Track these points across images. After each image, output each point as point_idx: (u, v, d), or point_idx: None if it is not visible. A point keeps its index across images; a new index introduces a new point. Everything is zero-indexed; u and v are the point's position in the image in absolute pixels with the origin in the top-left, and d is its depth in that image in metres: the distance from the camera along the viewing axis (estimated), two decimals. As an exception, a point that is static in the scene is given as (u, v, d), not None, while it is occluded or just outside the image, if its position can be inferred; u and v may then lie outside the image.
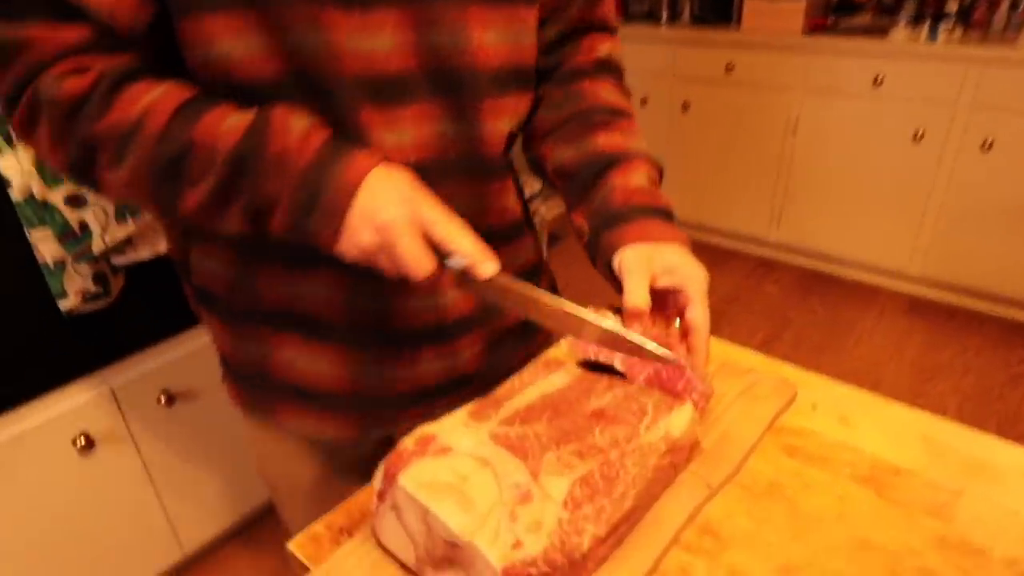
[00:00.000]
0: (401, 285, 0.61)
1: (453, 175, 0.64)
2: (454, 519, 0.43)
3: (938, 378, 2.29)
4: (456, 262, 0.52)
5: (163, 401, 1.42)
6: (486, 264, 0.52)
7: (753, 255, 3.10)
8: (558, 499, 0.46)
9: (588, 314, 0.57)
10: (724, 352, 0.75)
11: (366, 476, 0.87)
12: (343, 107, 0.56)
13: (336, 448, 0.78)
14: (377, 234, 0.50)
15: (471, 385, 0.75)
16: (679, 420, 0.55)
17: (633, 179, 0.68)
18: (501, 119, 0.66)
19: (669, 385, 0.60)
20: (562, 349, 0.72)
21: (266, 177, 0.51)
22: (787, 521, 0.53)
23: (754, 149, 2.89)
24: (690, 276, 0.62)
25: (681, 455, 0.55)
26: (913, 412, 0.67)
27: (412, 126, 0.60)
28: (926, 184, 2.51)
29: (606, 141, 0.70)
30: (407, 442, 0.50)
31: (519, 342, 0.80)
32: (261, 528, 1.74)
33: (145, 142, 0.51)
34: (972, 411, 2.14)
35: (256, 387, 0.73)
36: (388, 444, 0.81)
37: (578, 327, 0.57)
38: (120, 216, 1.20)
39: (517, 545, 0.43)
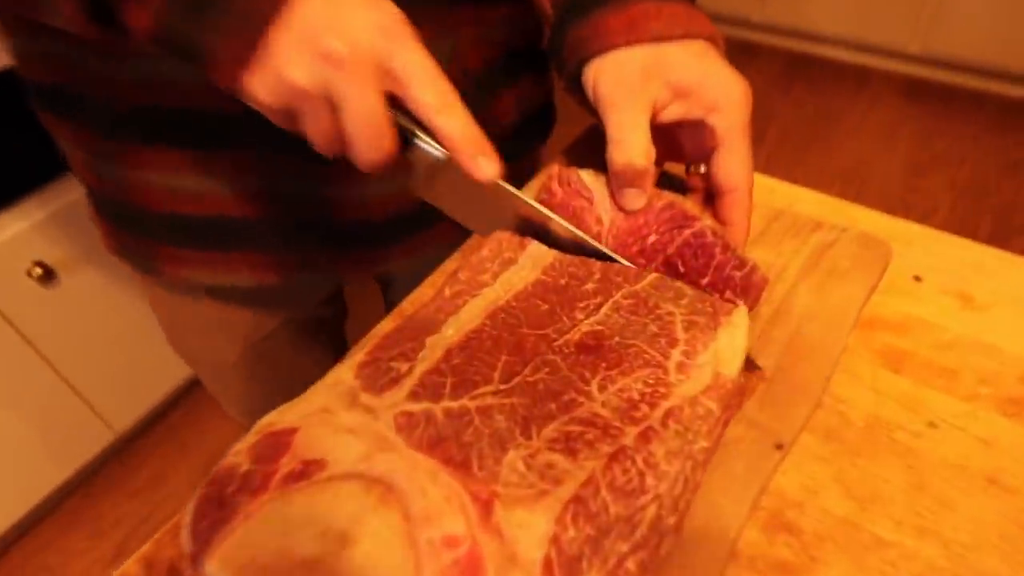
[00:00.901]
0: (318, 166, 0.43)
1: None
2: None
3: (932, 172, 2.10)
4: (428, 147, 0.35)
5: (39, 275, 1.13)
6: (482, 161, 0.34)
7: (735, 39, 2.73)
8: (532, 560, 0.23)
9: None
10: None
11: (318, 338, 0.66)
12: None
13: (263, 303, 0.59)
14: (318, 70, 0.32)
15: (431, 226, 0.55)
16: (732, 344, 0.30)
17: None
18: None
19: (702, 276, 0.35)
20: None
21: None
22: (903, 491, 0.32)
23: (741, -97, 2.40)
24: (719, 100, 0.39)
25: (734, 403, 0.31)
26: (1067, 277, 0.44)
27: None
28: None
29: None
30: (240, 453, 0.25)
31: None
32: (200, 397, 1.56)
33: None
34: (966, 208, 1.98)
35: (126, 224, 0.53)
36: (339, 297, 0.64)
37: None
38: None
39: None
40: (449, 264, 0.46)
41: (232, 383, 0.65)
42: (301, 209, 0.50)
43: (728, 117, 0.38)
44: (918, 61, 2.43)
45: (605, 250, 0.37)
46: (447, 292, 0.34)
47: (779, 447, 0.31)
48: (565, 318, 0.32)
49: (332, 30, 0.31)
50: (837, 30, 2.49)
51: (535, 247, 0.36)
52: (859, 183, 2.08)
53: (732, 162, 0.38)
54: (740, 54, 2.65)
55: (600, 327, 0.31)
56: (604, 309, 0.32)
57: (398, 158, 0.35)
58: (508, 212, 0.38)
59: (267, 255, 0.52)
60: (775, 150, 2.18)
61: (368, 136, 0.33)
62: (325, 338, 0.67)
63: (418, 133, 0.35)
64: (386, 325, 0.42)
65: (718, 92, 0.38)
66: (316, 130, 0.34)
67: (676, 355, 0.29)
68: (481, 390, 0.27)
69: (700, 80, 0.38)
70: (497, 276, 0.34)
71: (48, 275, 1.15)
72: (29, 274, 1.13)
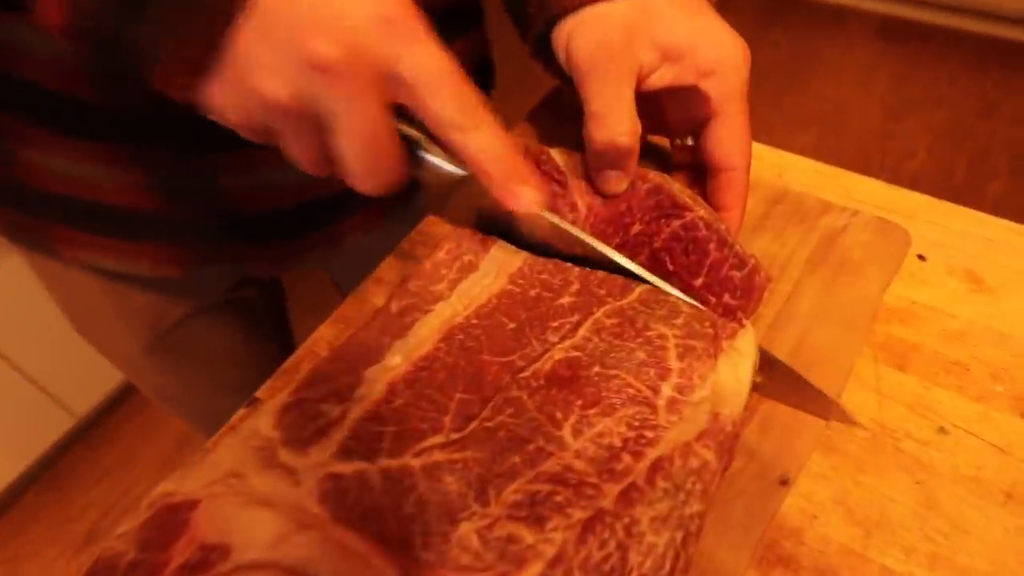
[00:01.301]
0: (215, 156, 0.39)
1: None
2: None
3: (909, 115, 2.07)
4: (441, 163, 0.29)
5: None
6: (522, 191, 0.28)
7: (706, -20, 2.62)
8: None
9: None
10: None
11: (244, 321, 0.60)
12: None
13: (165, 291, 0.53)
14: (301, 81, 0.25)
15: (355, 212, 0.48)
16: (735, 376, 0.26)
17: None
18: None
19: (694, 275, 0.30)
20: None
21: None
22: (912, 512, 0.29)
23: None
24: (714, 62, 0.33)
25: (733, 447, 0.27)
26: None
27: None
28: None
29: None
30: (126, 536, 0.21)
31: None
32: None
33: None
34: (942, 150, 1.95)
35: (15, 203, 0.47)
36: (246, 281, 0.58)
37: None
38: None
39: None
40: (405, 244, 0.41)
41: (144, 374, 0.60)
42: (201, 202, 0.44)
43: (724, 83, 0.33)
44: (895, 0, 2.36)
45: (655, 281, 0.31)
46: (393, 307, 0.29)
47: (784, 482, 0.27)
48: (535, 341, 0.27)
49: (319, 27, 0.24)
50: (813, -32, 2.41)
51: (500, 248, 0.31)
52: (836, 128, 2.03)
53: (728, 135, 0.34)
54: (714, -4, 2.55)
55: (577, 353, 0.26)
56: (582, 330, 0.27)
57: (405, 177, 0.29)
58: (548, 241, 0.32)
59: (169, 247, 0.47)
60: (751, 96, 2.11)
61: (368, 160, 0.26)
62: (254, 319, 0.62)
63: (426, 146, 0.29)
64: (325, 333, 0.37)
65: (713, 54, 0.33)
66: (300, 152, 0.28)
67: (667, 390, 0.25)
68: (428, 442, 0.23)
69: (693, 40, 0.33)
70: (455, 285, 0.29)
71: (-13, 260, 1.07)
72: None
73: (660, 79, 0.34)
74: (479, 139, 0.26)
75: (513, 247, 0.32)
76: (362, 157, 0.26)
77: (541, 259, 0.31)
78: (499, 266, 0.30)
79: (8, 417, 1.23)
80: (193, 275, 0.50)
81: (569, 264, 0.30)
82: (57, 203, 0.45)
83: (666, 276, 0.31)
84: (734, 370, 0.26)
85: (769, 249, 0.37)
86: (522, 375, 0.26)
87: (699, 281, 0.31)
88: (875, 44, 2.30)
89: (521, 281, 0.30)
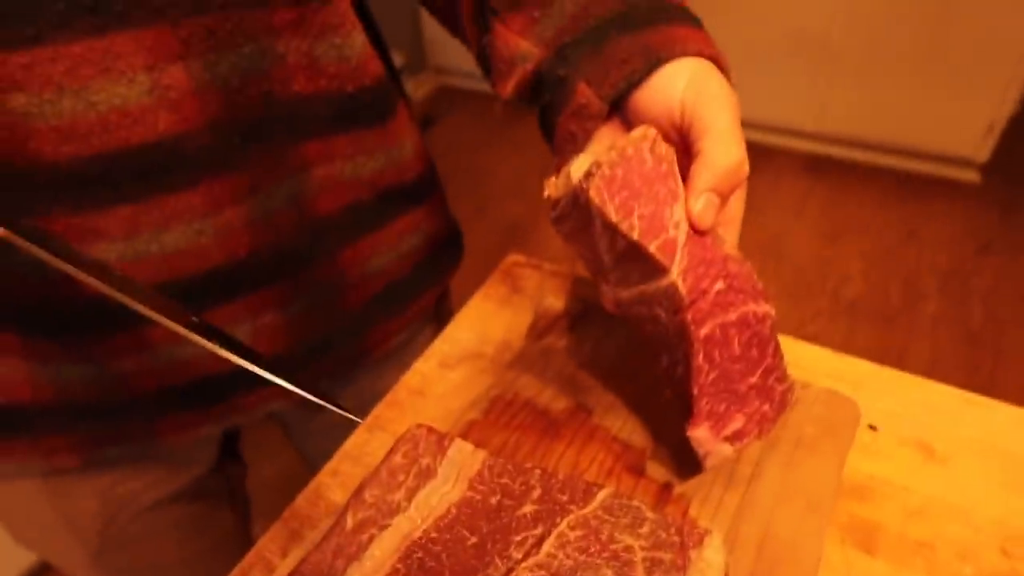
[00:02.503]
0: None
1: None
2: None
3: (841, 241, 2.20)
4: None
5: None
6: None
7: (644, 121, 2.83)
8: None
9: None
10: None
11: (202, 512, 0.56)
12: None
13: (117, 486, 0.50)
14: None
15: (254, 387, 0.47)
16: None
17: None
18: None
19: (750, 373, 0.33)
20: (430, 365, 0.40)
21: None
22: None
23: None
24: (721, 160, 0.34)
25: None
26: None
27: None
28: (823, 28, 2.30)
29: None
30: None
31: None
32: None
33: None
34: (876, 276, 2.07)
35: None
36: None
37: None
38: None
39: None
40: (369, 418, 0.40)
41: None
42: (92, 387, 0.42)
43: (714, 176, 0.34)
44: (816, 138, 2.58)
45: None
46: (349, 522, 0.28)
47: None
48: (498, 559, 0.26)
49: None
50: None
51: (458, 450, 0.30)
52: (777, 255, 2.14)
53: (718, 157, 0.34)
54: (652, 136, 2.74)
55: (542, 572, 0.25)
56: (547, 545, 0.26)
57: None
58: None
59: (61, 437, 0.44)
60: (694, 228, 2.23)
61: None
62: (211, 508, 0.58)
63: None
64: (277, 535, 0.35)
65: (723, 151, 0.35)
66: None
67: None
68: None
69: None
70: (413, 495, 0.28)
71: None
72: None
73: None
74: None
75: (471, 447, 0.31)
76: None
77: (500, 460, 0.30)
78: (458, 470, 0.30)
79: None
80: (94, 462, 0.46)
81: (528, 465, 0.30)
82: None
83: (724, 361, 0.32)
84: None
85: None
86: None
87: (753, 380, 0.33)
88: (802, 177, 2.49)
89: (481, 487, 0.29)
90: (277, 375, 0.30)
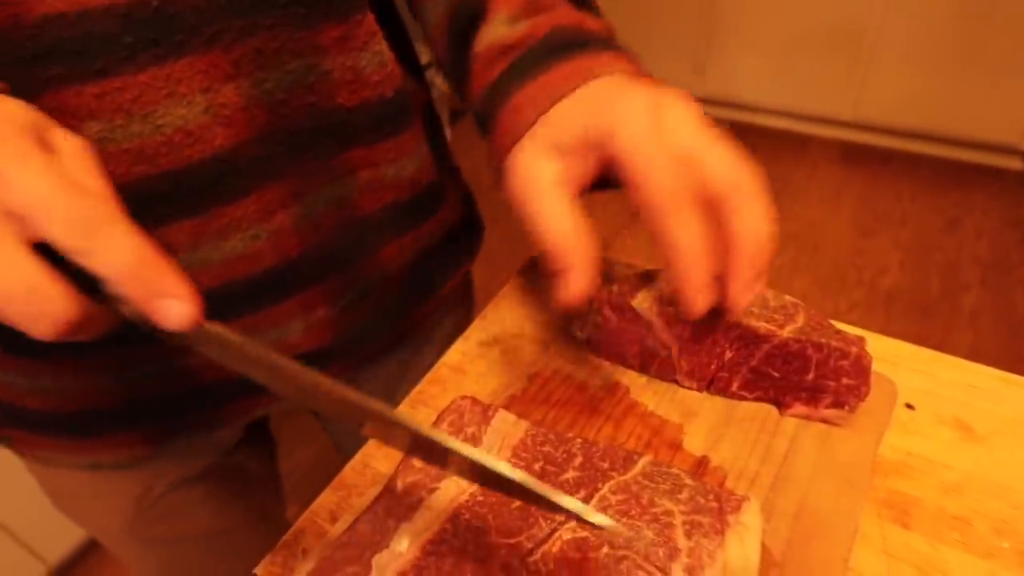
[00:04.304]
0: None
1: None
2: None
3: (877, 233, 2.16)
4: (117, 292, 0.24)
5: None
6: (165, 304, 0.24)
7: (676, 112, 2.80)
8: None
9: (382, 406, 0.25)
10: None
11: (232, 487, 0.58)
12: None
13: (140, 469, 0.52)
14: None
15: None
16: (743, 553, 0.26)
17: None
18: None
19: (803, 375, 0.36)
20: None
21: None
22: None
23: (673, -13, 2.51)
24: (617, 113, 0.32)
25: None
26: (1063, 396, 0.41)
27: None
28: (861, 16, 2.25)
29: None
30: None
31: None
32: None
33: None
34: (913, 265, 2.03)
35: None
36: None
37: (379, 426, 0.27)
38: None
39: None
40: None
41: (127, 548, 0.58)
42: (153, 386, 0.44)
43: (628, 128, 0.31)
44: (852, 127, 2.53)
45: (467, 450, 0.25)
46: (399, 485, 0.29)
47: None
48: (542, 520, 0.27)
49: None
50: (773, 100, 2.59)
51: (501, 420, 0.32)
52: (811, 246, 2.11)
53: (646, 179, 0.31)
54: (684, 126, 2.72)
55: (585, 533, 0.26)
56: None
57: (104, 311, 0.25)
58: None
59: (134, 432, 0.47)
60: (726, 218, 2.21)
61: (19, 308, 0.23)
62: (244, 482, 0.60)
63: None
64: (326, 502, 0.37)
65: (617, 109, 0.33)
66: None
67: (678, 571, 0.25)
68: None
69: (602, 104, 0.33)
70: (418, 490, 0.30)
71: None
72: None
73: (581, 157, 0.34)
74: (103, 259, 0.24)
75: (513, 417, 0.32)
76: (8, 306, 0.23)
77: (542, 430, 0.31)
78: (502, 438, 0.31)
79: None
80: (166, 450, 0.49)
81: (570, 435, 0.31)
82: (13, 412, 0.45)
83: (774, 382, 0.36)
84: (741, 546, 0.26)
85: (762, 406, 0.38)
86: (531, 558, 0.26)
87: (810, 376, 0.35)
88: (837, 168, 2.44)
89: (524, 454, 0.30)
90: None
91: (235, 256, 0.39)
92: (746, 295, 0.31)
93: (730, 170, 0.31)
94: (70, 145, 0.26)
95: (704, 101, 2.70)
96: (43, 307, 0.23)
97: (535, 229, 0.32)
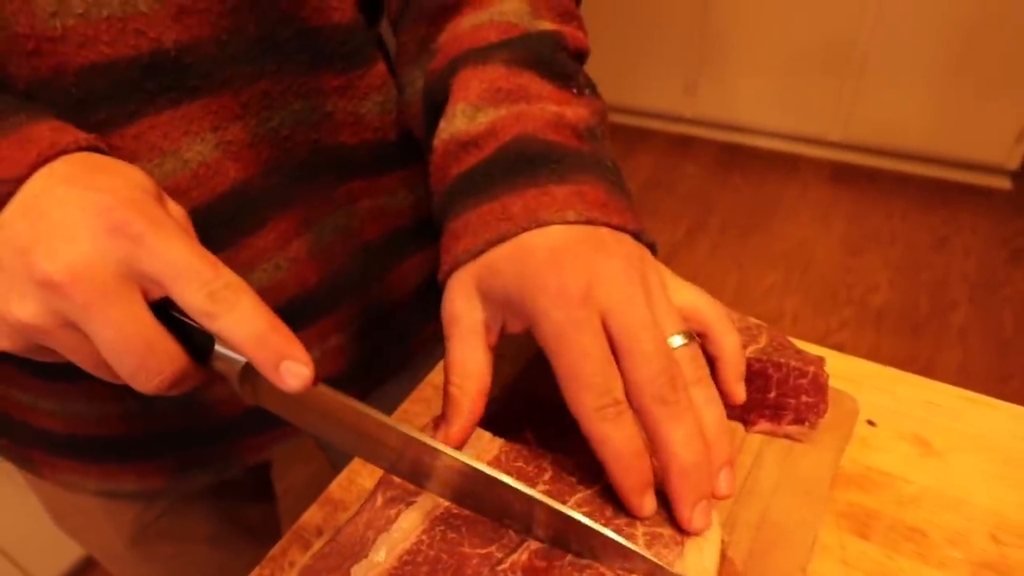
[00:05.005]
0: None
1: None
2: None
3: (867, 250, 2.19)
4: (229, 353, 0.27)
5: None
6: (287, 368, 0.26)
7: (669, 133, 2.85)
8: None
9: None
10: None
11: (227, 503, 0.60)
12: None
13: (150, 498, 0.54)
14: (43, 300, 0.25)
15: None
16: (701, 564, 0.28)
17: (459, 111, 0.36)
18: None
19: (765, 393, 0.38)
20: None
21: None
22: None
23: (662, 10, 2.56)
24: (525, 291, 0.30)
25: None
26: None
27: None
28: (850, 37, 2.30)
29: (450, 36, 0.40)
30: None
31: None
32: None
33: None
34: (903, 284, 2.05)
35: (5, 428, 0.48)
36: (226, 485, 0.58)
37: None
38: None
39: None
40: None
41: (125, 565, 0.59)
42: (179, 419, 0.46)
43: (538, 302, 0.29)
44: (842, 147, 2.57)
45: (499, 475, 0.28)
46: (379, 500, 0.31)
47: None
48: (512, 532, 0.29)
49: (41, 247, 0.24)
50: (763, 120, 2.63)
51: (477, 437, 0.33)
52: (801, 265, 2.14)
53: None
54: (675, 146, 2.76)
55: (548, 543, 0.28)
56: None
57: (198, 370, 0.28)
58: (353, 426, 0.29)
59: (153, 462, 0.48)
60: (718, 238, 2.24)
61: (133, 362, 0.25)
62: (240, 499, 0.62)
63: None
64: (312, 517, 0.39)
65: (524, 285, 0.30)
66: (79, 360, 0.27)
67: None
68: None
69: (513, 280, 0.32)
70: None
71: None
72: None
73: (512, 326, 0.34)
74: (232, 322, 0.26)
75: (488, 435, 0.34)
76: (124, 359, 0.25)
77: (516, 445, 0.33)
78: (477, 453, 0.33)
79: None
80: (176, 484, 0.51)
81: (542, 451, 0.33)
82: (42, 435, 0.47)
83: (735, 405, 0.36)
84: (700, 557, 0.28)
85: (729, 422, 0.40)
86: (500, 567, 0.27)
87: (772, 394, 0.38)
88: (828, 187, 2.48)
89: (498, 468, 0.32)
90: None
91: (261, 289, 0.40)
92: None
93: (659, 378, 0.28)
94: (178, 211, 0.29)
95: (696, 123, 2.75)
96: (156, 364, 0.26)
97: (445, 365, 0.33)
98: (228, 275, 0.26)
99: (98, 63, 0.32)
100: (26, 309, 0.25)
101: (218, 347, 0.27)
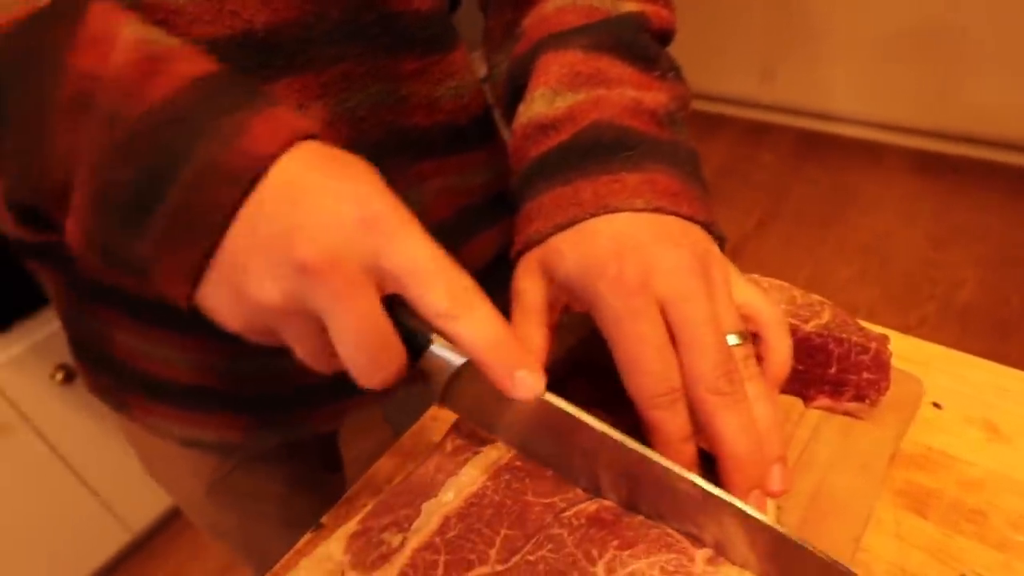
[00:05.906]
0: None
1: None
2: None
3: (954, 245, 2.08)
4: (447, 354, 0.28)
5: (60, 378, 1.16)
6: (521, 377, 0.27)
7: (744, 119, 2.78)
8: None
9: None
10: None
11: (298, 460, 0.64)
12: None
13: (228, 451, 0.58)
14: (291, 284, 0.25)
15: None
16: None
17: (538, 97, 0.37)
18: None
19: (826, 368, 0.39)
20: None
21: (52, 122, 0.26)
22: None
23: (743, -7, 2.49)
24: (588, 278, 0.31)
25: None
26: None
27: None
28: (935, 20, 2.18)
29: (534, 20, 0.42)
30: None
31: None
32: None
33: None
34: (994, 282, 1.94)
35: (103, 371, 0.52)
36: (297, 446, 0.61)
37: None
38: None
39: None
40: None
41: (203, 512, 0.64)
42: (263, 380, 0.50)
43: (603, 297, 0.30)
44: (930, 136, 2.44)
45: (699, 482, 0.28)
46: (448, 447, 0.33)
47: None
48: (579, 487, 0.31)
49: (302, 232, 0.25)
50: (847, 107, 2.53)
51: (494, 445, 0.35)
52: (880, 259, 2.06)
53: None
54: (750, 133, 2.69)
55: (620, 493, 0.30)
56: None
57: (411, 369, 0.28)
58: (556, 431, 0.30)
59: (234, 417, 0.52)
60: (793, 228, 2.17)
61: (366, 355, 0.26)
62: (310, 456, 0.66)
63: (433, 337, 0.28)
64: (384, 465, 0.42)
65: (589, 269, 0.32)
66: (303, 350, 0.28)
67: (710, 541, 0.28)
68: (476, 572, 0.26)
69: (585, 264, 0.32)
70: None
71: (68, 378, 1.17)
72: (52, 377, 1.16)
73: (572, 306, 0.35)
74: (472, 327, 0.26)
75: (505, 446, 0.35)
76: (359, 353, 0.26)
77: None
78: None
79: (69, 527, 1.29)
80: (252, 440, 0.54)
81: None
82: (139, 376, 0.51)
83: (799, 375, 0.38)
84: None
85: (784, 397, 0.41)
86: (564, 514, 0.29)
87: (832, 370, 0.38)
88: (913, 178, 2.36)
89: (506, 475, 0.33)
90: None
91: None
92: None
93: (715, 370, 0.29)
94: None
95: (774, 109, 2.67)
96: (387, 360, 0.26)
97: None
98: (467, 279, 0.27)
99: (202, 39, 0.35)
100: (274, 291, 0.25)
101: (434, 348, 0.28)
